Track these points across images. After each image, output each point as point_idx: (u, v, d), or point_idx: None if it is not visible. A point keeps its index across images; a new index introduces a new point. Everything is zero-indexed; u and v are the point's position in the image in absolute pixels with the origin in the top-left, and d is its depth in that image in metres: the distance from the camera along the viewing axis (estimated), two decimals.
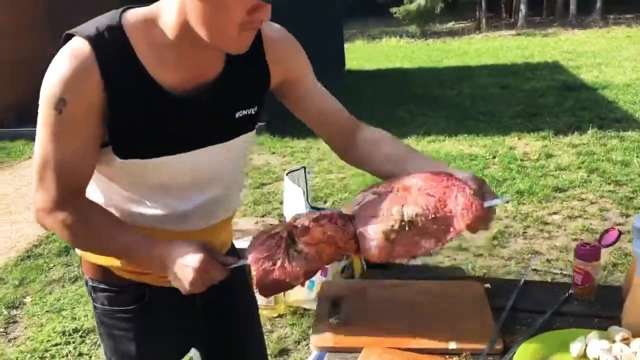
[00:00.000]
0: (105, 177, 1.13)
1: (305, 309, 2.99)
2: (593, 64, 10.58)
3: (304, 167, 3.24)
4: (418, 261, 3.52)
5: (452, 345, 1.13)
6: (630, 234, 3.00)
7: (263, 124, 6.12)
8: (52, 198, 1.06)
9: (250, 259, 1.05)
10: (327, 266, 2.97)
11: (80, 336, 2.90)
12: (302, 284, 1.08)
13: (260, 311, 2.96)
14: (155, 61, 1.03)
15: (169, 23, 1.01)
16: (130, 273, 1.22)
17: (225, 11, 0.95)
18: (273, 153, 6.09)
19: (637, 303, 1.14)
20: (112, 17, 1.02)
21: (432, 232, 1.00)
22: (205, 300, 1.29)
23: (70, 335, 2.91)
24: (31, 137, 1.32)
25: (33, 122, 1.07)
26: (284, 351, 2.73)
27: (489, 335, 1.15)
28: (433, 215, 1.00)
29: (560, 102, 7.51)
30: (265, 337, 2.84)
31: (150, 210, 1.14)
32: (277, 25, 1.20)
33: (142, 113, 1.03)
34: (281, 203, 4.11)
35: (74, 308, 3.17)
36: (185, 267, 1.03)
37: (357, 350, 1.14)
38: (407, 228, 1.00)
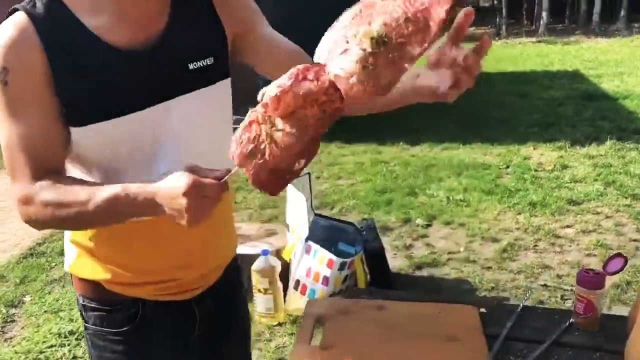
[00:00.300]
0: (76, 168, 1.10)
1: None
2: (615, 73, 10.36)
3: (309, 174, 3.17)
4: (424, 272, 3.43)
5: None
6: None
7: None
8: (29, 182, 1.02)
9: (236, 159, 0.92)
10: (328, 275, 2.93)
11: (76, 339, 2.86)
12: (307, 162, 0.94)
13: (259, 319, 2.94)
14: (97, 19, 1.03)
15: None
16: (122, 286, 1.16)
17: None
18: None
19: None
20: None
21: (412, 36, 0.83)
22: (203, 316, 1.24)
23: (65, 337, 2.88)
24: None
25: None
26: None
27: None
28: (404, 18, 0.83)
29: (579, 112, 7.36)
30: (263, 345, 2.81)
31: None
32: None
33: (89, 72, 1.02)
34: None
35: (72, 309, 3.13)
36: (177, 198, 0.91)
37: None
38: (382, 46, 0.84)
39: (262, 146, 0.90)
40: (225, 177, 0.94)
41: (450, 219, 4.16)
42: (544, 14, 19.09)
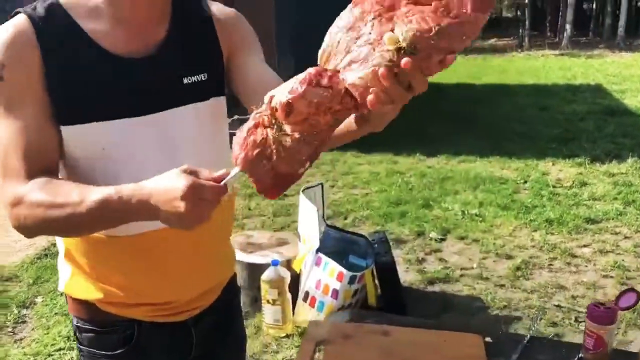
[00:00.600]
0: (64, 173, 1.08)
1: None
2: (639, 89, 10.22)
3: (321, 184, 3.16)
4: (435, 288, 3.39)
5: None
6: None
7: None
8: (21, 181, 0.98)
9: (240, 163, 0.87)
10: (338, 288, 2.91)
11: None
12: (311, 165, 0.89)
13: (267, 330, 2.92)
14: (96, 24, 1.05)
15: None
16: (117, 307, 1.14)
17: None
18: None
19: None
20: None
21: (440, 47, 0.75)
22: (200, 338, 1.22)
23: (74, 340, 2.87)
24: None
25: None
26: None
27: None
28: (436, 30, 0.74)
29: (600, 127, 7.25)
30: (270, 357, 2.79)
31: None
32: (231, 8, 1.22)
33: (82, 74, 1.03)
34: None
35: None
36: (173, 201, 0.86)
37: None
38: (408, 53, 0.75)
39: (269, 151, 0.85)
40: (226, 180, 0.89)
41: (465, 234, 4.11)
42: (568, 27, 18.90)
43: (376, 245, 3.10)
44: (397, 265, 3.20)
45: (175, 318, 1.19)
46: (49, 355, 2.79)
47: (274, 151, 0.85)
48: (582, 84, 11.25)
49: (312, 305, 2.93)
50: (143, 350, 1.16)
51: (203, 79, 1.13)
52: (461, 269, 3.61)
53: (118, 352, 1.16)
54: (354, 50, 0.79)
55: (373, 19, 0.78)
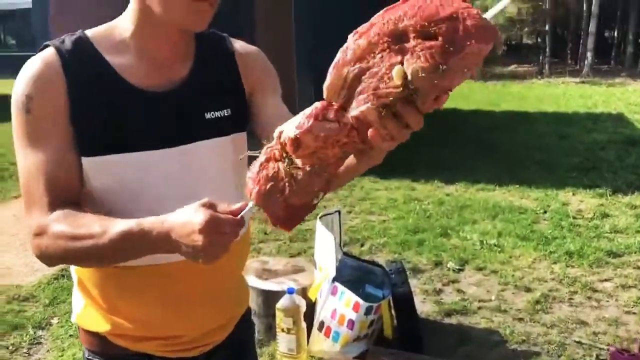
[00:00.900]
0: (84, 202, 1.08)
1: None
2: None
3: (339, 211, 3.15)
4: (453, 320, 3.34)
5: None
6: None
7: None
8: (44, 212, 1.00)
9: (254, 197, 0.88)
10: (353, 319, 2.87)
11: None
12: (324, 195, 0.90)
13: (281, 359, 2.89)
14: (121, 58, 1.07)
15: (128, 13, 1.08)
16: (128, 340, 1.14)
17: None
18: None
19: None
20: (75, 32, 1.10)
21: (445, 81, 0.76)
22: None
23: None
24: None
25: None
26: None
27: None
28: (443, 67, 0.74)
29: (621, 157, 7.16)
30: None
31: None
32: (253, 46, 1.26)
33: (106, 106, 1.05)
34: None
35: None
36: (192, 235, 0.87)
37: None
38: (410, 93, 0.76)
39: (281, 184, 0.87)
40: (242, 213, 0.90)
41: (483, 265, 4.06)
42: (589, 55, 18.82)
43: (393, 276, 3.07)
44: (414, 296, 3.16)
45: (187, 353, 1.18)
46: None
47: (287, 184, 0.86)
48: (603, 112, 11.16)
49: (327, 335, 2.89)
50: None
51: (226, 114, 1.14)
52: (479, 300, 3.55)
53: None
54: (362, 82, 0.79)
55: (382, 50, 0.78)
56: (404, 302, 3.03)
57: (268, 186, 0.87)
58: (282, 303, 2.88)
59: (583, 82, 16.93)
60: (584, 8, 19.54)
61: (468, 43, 0.74)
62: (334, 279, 2.94)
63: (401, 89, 0.76)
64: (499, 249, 4.34)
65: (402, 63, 0.76)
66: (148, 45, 1.08)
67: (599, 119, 10.34)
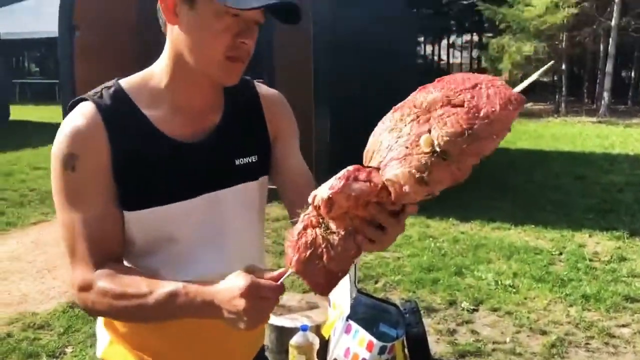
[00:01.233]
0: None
1: None
2: None
3: None
4: None
5: None
6: None
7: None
8: (89, 269, 1.04)
9: (294, 265, 0.92)
10: (367, 358, 2.85)
11: None
12: (358, 259, 0.95)
13: None
14: (156, 111, 1.11)
15: (162, 65, 1.11)
16: None
17: (210, 34, 1.03)
18: None
19: None
20: (109, 83, 1.13)
21: (473, 148, 0.81)
22: None
23: None
24: None
25: None
26: None
27: None
28: (468, 133, 0.80)
29: (639, 200, 7.10)
30: None
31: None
32: (274, 89, 1.31)
33: (146, 160, 1.08)
34: None
35: None
36: (234, 299, 0.91)
37: None
38: (440, 157, 0.82)
39: (319, 251, 0.91)
40: (282, 279, 0.95)
41: (498, 305, 4.02)
42: (606, 94, 18.79)
43: (407, 315, 3.06)
44: (428, 336, 3.14)
45: None
46: None
47: (324, 250, 0.90)
48: (620, 153, 11.09)
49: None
50: None
51: (253, 160, 1.19)
52: (493, 342, 3.52)
53: None
54: (395, 148, 0.86)
55: (411, 120, 0.86)
56: (418, 343, 3.00)
57: (307, 253, 0.91)
58: (295, 340, 2.88)
59: (600, 122, 16.87)
60: (601, 48, 19.62)
61: (492, 109, 0.78)
62: (348, 317, 2.93)
63: (430, 154, 0.81)
64: (514, 290, 4.30)
65: (429, 131, 0.81)
66: (182, 97, 1.12)
67: (616, 160, 10.28)
